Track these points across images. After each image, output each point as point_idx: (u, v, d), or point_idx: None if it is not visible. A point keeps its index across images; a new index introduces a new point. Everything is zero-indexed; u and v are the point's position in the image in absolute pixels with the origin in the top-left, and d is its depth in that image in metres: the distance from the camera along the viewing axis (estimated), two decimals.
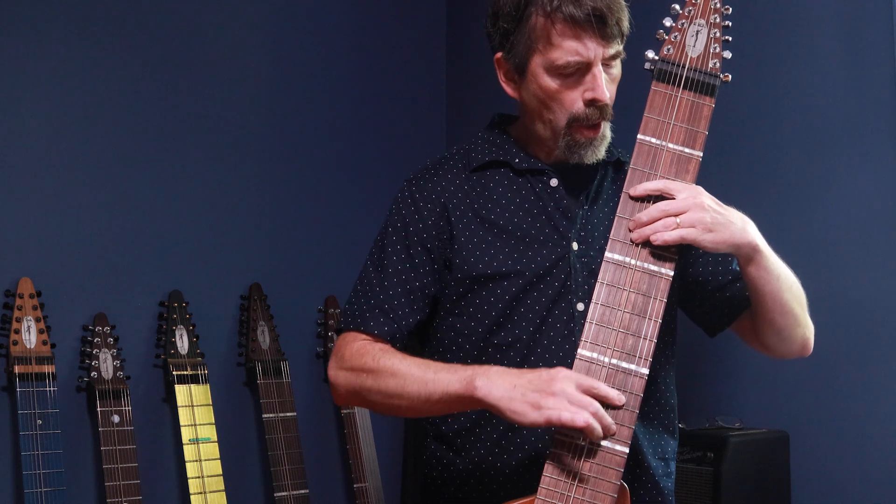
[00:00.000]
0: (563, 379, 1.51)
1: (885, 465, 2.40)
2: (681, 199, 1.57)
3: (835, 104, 2.51)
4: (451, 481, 1.78)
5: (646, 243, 1.57)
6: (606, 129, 1.73)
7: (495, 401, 1.55)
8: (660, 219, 1.56)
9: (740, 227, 1.62)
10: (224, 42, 3.15)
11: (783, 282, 1.70)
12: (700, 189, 1.60)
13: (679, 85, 1.61)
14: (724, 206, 1.62)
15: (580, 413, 1.48)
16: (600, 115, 1.70)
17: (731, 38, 1.63)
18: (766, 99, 2.65)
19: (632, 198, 1.59)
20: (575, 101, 1.70)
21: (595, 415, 1.49)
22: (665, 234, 1.56)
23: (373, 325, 1.76)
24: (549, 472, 1.53)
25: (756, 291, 1.70)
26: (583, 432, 1.50)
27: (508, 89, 1.78)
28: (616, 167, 1.82)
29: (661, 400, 1.78)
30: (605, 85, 1.68)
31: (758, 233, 1.65)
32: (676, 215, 1.56)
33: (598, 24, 1.65)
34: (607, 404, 1.52)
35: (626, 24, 1.70)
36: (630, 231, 1.57)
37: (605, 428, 1.50)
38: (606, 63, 1.69)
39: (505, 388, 1.54)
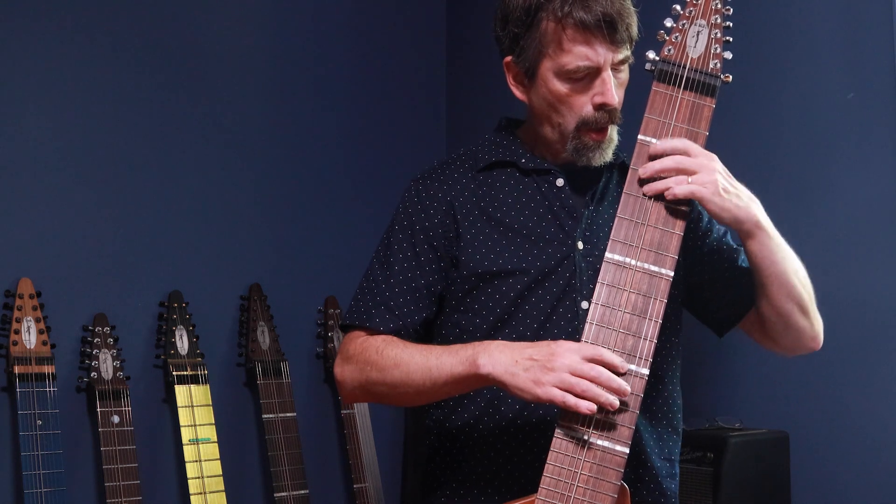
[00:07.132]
0: (565, 352, 1.53)
1: (885, 465, 2.40)
2: (696, 160, 1.58)
3: (835, 104, 2.51)
4: (452, 477, 1.78)
5: (649, 241, 1.58)
6: (614, 133, 1.75)
7: (499, 376, 1.57)
8: (673, 170, 1.57)
9: (746, 203, 1.63)
10: (224, 42, 3.15)
11: (788, 264, 1.70)
12: (715, 157, 1.61)
13: (680, 85, 1.62)
14: (735, 180, 1.64)
15: (582, 402, 1.50)
16: (609, 118, 1.72)
17: (731, 39, 1.63)
18: (766, 99, 2.64)
19: (645, 156, 1.58)
20: (584, 105, 1.72)
21: (598, 379, 1.50)
22: (677, 188, 1.57)
23: (378, 321, 1.77)
24: (549, 472, 1.54)
25: (760, 272, 1.70)
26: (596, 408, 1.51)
27: (517, 92, 1.80)
28: (622, 170, 1.82)
29: (669, 399, 1.79)
30: (614, 89, 1.70)
31: (763, 213, 1.66)
32: (689, 174, 1.57)
33: (608, 30, 1.67)
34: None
35: (634, 30, 1.72)
36: (640, 179, 1.58)
37: (616, 391, 1.50)
38: (615, 67, 1.71)
39: (507, 363, 1.56)
